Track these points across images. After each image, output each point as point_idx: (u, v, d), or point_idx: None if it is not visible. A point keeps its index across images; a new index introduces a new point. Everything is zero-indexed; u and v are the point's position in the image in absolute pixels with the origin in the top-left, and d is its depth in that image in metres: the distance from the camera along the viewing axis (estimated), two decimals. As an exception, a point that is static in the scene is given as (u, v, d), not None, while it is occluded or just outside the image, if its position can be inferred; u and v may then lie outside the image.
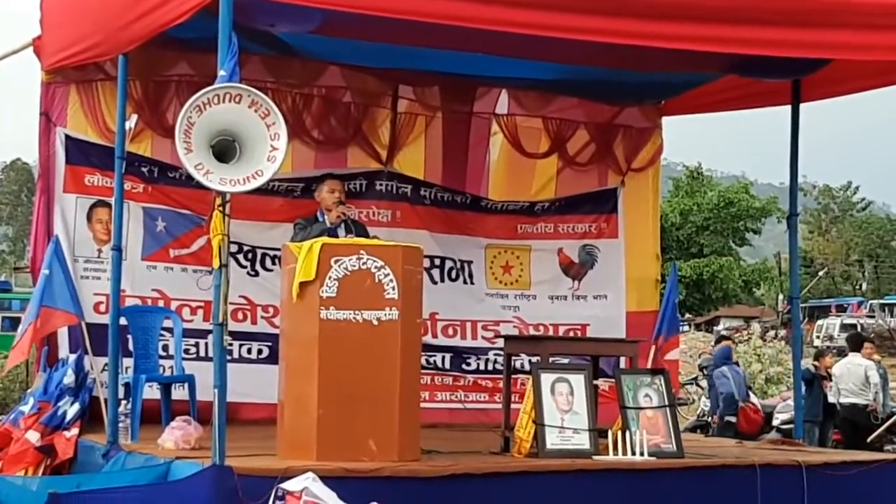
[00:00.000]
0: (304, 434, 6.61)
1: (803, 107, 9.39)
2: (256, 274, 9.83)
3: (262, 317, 9.71)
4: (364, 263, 6.71)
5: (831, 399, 14.68)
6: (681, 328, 9.85)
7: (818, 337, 42.72)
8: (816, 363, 15.07)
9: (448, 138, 10.67)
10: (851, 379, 14.57)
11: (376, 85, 10.28)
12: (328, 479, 5.49)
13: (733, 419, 14.84)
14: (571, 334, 10.59)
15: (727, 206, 49.00)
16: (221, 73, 6.25)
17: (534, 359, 8.30)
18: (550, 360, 7.93)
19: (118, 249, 7.93)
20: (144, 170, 9.45)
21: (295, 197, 9.89)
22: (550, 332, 10.54)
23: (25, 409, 8.37)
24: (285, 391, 6.86)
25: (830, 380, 14.80)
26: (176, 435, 7.20)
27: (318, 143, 10.11)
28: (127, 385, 8.11)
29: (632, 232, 11.08)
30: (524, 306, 10.80)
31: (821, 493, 7.32)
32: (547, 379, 7.35)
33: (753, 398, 16.02)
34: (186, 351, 9.08)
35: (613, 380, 7.94)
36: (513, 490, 6.60)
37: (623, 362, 8.51)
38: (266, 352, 9.58)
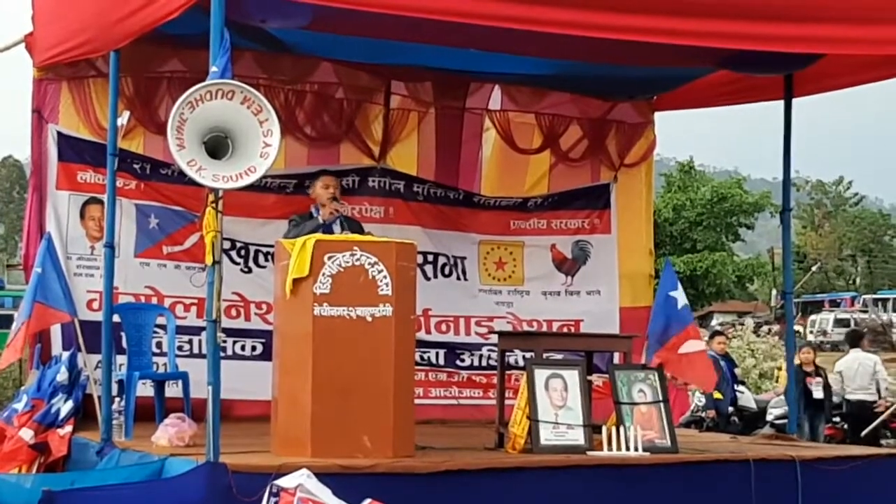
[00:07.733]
0: (298, 431, 6.60)
1: (796, 101, 9.40)
2: (250, 270, 9.82)
3: (256, 313, 9.70)
4: (357, 259, 6.70)
5: (817, 395, 14.55)
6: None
7: (811, 332, 42.72)
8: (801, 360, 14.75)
9: (441, 134, 10.64)
10: (860, 375, 14.51)
11: (369, 81, 10.25)
12: (323, 476, 5.48)
13: None
14: (565, 330, 10.59)
15: (720, 201, 48.98)
16: (213, 69, 6.24)
17: (527, 354, 8.29)
18: (544, 355, 7.92)
19: (111, 246, 7.92)
20: (137, 166, 9.44)
21: (288, 193, 9.88)
22: (544, 328, 10.52)
23: (19, 406, 8.37)
24: (279, 388, 6.85)
25: (811, 375, 14.67)
26: (170, 432, 7.19)
27: (311, 140, 10.09)
28: (120, 382, 8.11)
29: (625, 227, 11.08)
30: (517, 302, 10.78)
31: (815, 488, 7.33)
32: (541, 375, 7.35)
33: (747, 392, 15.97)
34: (180, 348, 9.07)
35: (607, 375, 7.94)
36: (507, 486, 6.60)
37: (617, 358, 8.51)
38: (260, 348, 9.58)
